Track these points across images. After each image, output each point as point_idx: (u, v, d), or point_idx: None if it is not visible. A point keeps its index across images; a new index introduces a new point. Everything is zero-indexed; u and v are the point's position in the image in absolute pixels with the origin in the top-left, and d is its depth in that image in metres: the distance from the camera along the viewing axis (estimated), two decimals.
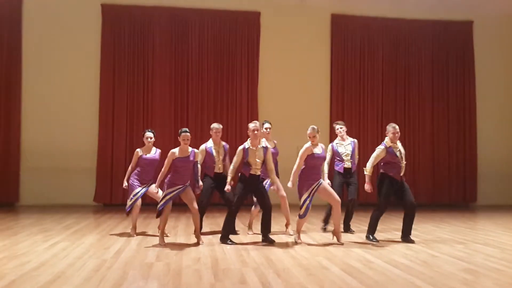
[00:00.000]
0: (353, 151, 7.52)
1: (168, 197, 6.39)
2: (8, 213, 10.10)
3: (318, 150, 6.60)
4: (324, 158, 6.76)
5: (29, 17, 11.77)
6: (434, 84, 13.05)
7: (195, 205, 6.46)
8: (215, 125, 7.50)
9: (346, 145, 7.55)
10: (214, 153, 7.30)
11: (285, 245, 6.58)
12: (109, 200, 11.69)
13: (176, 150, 6.45)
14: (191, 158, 6.47)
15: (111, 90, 11.91)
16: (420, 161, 12.83)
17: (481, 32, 13.15)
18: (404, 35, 12.90)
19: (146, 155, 7.24)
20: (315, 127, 6.64)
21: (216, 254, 5.89)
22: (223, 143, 7.55)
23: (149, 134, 7.37)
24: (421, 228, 8.10)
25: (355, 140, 7.71)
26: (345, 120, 12.71)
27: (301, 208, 6.53)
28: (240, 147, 6.67)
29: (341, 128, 7.63)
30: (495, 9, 12.96)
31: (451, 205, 12.63)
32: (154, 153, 7.35)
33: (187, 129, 6.56)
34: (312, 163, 6.52)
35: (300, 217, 6.57)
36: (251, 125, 6.67)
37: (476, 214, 11.25)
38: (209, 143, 7.41)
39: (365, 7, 12.68)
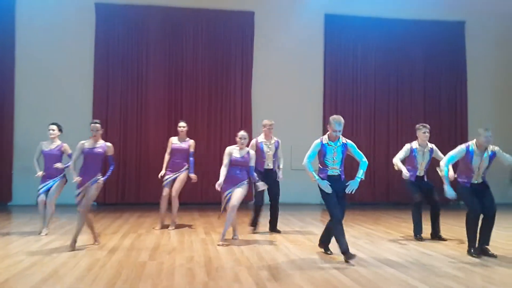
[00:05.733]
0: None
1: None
2: (1, 213, 10.04)
3: (237, 154, 6.61)
4: (243, 164, 6.59)
5: (22, 16, 11.69)
6: (426, 84, 13.12)
7: (88, 204, 6.19)
8: (267, 121, 7.51)
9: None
10: (265, 149, 7.37)
11: (279, 243, 6.59)
12: (102, 199, 11.65)
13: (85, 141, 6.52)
14: (100, 150, 6.45)
15: (105, 89, 11.86)
16: None
17: (473, 32, 13.24)
18: (397, 35, 12.95)
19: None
20: (245, 133, 6.66)
21: (209, 253, 5.90)
22: (275, 138, 7.55)
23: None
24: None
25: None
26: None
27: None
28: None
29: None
30: (487, 9, 13.05)
31: (443, 204, 12.66)
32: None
33: (96, 121, 6.65)
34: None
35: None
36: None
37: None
38: (261, 138, 7.47)
39: (358, 8, 12.72)
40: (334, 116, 5.59)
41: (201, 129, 12.17)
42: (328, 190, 5.42)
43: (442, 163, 5.94)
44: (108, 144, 6.59)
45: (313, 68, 12.76)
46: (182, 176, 7.76)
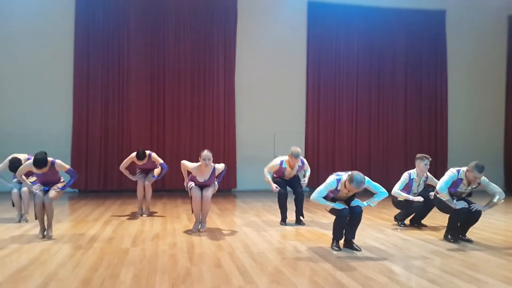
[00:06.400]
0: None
1: None
2: None
3: (200, 177, 6.40)
4: (208, 184, 6.47)
5: (1, 3, 11.44)
6: (407, 73, 13.27)
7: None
8: (298, 151, 7.05)
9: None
10: (286, 173, 7.13)
11: (261, 230, 6.67)
12: (84, 186, 11.59)
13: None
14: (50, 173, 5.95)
15: (85, 76, 11.74)
16: (393, 151, 13.10)
17: (453, 21, 13.40)
18: (379, 23, 13.03)
19: None
20: (209, 153, 6.30)
21: (192, 239, 5.94)
22: (300, 163, 7.17)
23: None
24: (393, 211, 8.29)
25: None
26: (320, 110, 12.88)
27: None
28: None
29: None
30: None
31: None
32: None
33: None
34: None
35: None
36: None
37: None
38: (285, 163, 7.09)
39: None
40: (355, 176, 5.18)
41: (184, 117, 12.13)
42: (342, 206, 5.35)
43: (442, 192, 5.91)
44: (58, 163, 6.01)
45: (296, 55, 12.79)
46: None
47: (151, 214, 8.02)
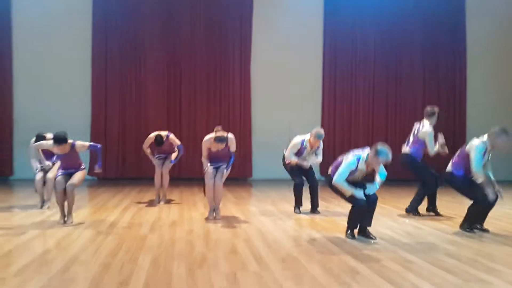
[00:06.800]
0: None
1: None
2: (3, 186, 10.20)
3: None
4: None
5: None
6: (425, 62, 13.01)
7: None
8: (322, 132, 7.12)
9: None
10: (305, 153, 7.16)
11: (276, 219, 6.74)
12: (103, 174, 11.78)
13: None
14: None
15: (103, 68, 11.93)
16: (405, 137, 12.98)
17: (473, 9, 13.13)
18: (397, 11, 12.76)
19: None
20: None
21: (208, 226, 6.05)
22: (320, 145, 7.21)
23: None
24: (409, 201, 8.29)
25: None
26: (336, 99, 12.84)
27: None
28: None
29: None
30: None
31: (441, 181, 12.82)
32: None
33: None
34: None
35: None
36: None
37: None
38: (306, 141, 7.12)
39: None
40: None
41: (200, 106, 12.24)
42: (361, 195, 5.30)
43: (478, 173, 5.52)
44: (79, 143, 6.20)
45: (312, 46, 12.73)
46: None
47: (168, 201, 8.15)
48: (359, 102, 12.94)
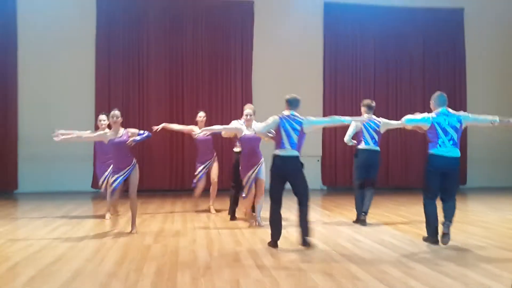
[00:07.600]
0: None
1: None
2: (8, 200, 10.27)
3: (247, 131, 6.76)
4: (257, 140, 6.71)
5: (24, 6, 11.82)
6: (425, 72, 13.13)
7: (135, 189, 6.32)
8: None
9: None
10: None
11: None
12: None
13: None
14: (124, 138, 6.24)
15: (106, 77, 11.97)
16: (412, 145, 13.07)
17: (471, 19, 13.27)
18: (396, 23, 12.95)
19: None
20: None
21: (211, 235, 6.12)
22: None
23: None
24: (411, 209, 8.36)
25: None
26: (337, 105, 12.96)
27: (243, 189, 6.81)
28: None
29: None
30: None
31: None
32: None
33: (115, 108, 6.53)
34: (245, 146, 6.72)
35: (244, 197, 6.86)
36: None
37: (465, 195, 11.51)
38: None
39: None
40: None
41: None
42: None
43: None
44: (131, 130, 6.42)
45: (313, 56, 12.83)
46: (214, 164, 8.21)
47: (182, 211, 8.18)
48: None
